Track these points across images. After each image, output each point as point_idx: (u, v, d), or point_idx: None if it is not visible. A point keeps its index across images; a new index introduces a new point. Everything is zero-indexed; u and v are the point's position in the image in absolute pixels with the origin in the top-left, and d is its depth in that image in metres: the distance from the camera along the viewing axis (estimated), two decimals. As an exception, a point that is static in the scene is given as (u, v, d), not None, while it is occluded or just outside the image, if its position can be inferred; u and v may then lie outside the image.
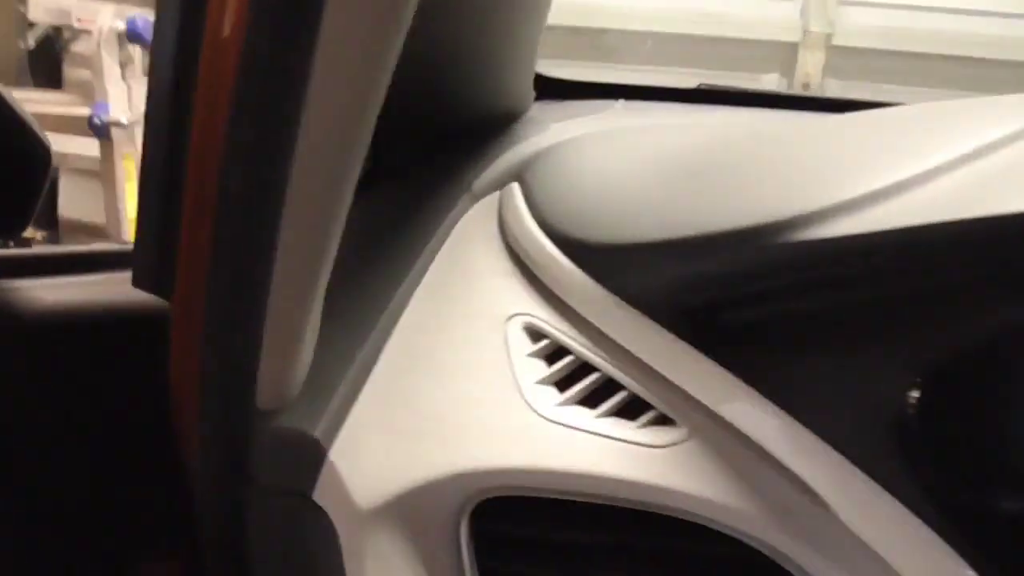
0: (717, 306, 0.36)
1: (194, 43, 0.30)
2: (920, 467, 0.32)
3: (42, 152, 0.40)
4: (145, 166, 0.34)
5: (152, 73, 0.34)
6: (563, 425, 0.36)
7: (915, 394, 0.32)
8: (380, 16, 0.28)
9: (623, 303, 0.37)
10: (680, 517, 0.34)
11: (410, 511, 0.34)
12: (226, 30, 0.29)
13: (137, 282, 0.36)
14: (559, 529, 0.36)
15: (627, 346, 0.37)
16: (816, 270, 0.33)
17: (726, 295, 0.36)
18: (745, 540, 0.33)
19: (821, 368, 0.34)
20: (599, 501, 0.35)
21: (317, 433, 0.34)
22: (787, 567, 0.33)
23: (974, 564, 0.31)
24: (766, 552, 0.33)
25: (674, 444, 0.35)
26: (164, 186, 0.33)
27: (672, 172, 0.43)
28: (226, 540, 0.35)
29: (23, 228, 0.42)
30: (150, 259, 0.35)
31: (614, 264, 0.38)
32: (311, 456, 0.34)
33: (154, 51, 0.33)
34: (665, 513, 0.34)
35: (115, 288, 0.44)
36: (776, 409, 0.34)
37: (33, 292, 0.42)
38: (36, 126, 0.40)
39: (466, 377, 0.38)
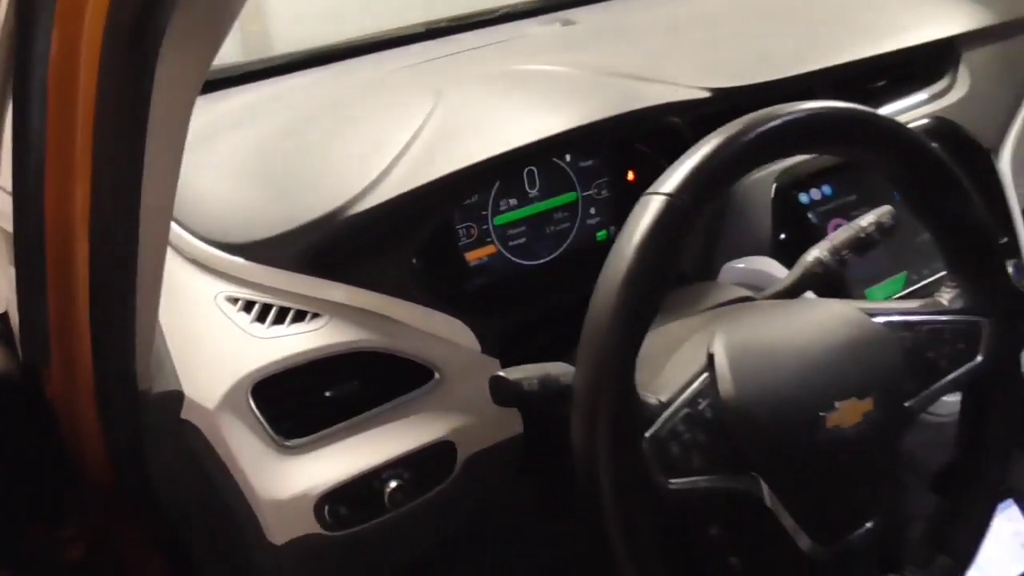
0: (329, 254, 0.73)
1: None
2: (432, 289, 0.76)
3: None
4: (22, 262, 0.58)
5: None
6: (276, 337, 0.71)
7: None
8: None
9: (269, 268, 0.73)
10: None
11: (231, 406, 0.67)
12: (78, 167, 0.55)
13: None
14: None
15: (280, 287, 0.73)
16: (382, 214, 0.73)
17: (332, 245, 0.73)
18: (372, 349, 0.73)
19: (389, 254, 0.75)
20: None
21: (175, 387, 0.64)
22: (394, 353, 0.74)
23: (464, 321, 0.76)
24: (383, 351, 0.74)
25: (327, 323, 0.73)
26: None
27: (258, 175, 0.78)
28: (134, 463, 0.63)
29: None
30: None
31: (256, 250, 0.73)
32: (176, 400, 0.64)
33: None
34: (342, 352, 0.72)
35: None
36: (362, 290, 0.74)
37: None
38: None
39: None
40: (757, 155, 0.57)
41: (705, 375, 0.57)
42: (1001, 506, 0.98)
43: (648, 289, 0.52)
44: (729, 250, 0.88)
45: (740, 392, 0.56)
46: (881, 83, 1.04)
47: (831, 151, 0.70)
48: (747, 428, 0.56)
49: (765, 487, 0.57)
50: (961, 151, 1.03)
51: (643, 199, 0.54)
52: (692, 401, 0.56)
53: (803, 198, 0.91)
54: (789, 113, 0.57)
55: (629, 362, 0.52)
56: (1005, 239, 0.99)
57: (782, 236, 0.89)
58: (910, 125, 0.98)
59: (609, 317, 0.52)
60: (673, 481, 0.54)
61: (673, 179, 0.54)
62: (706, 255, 0.88)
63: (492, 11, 1.27)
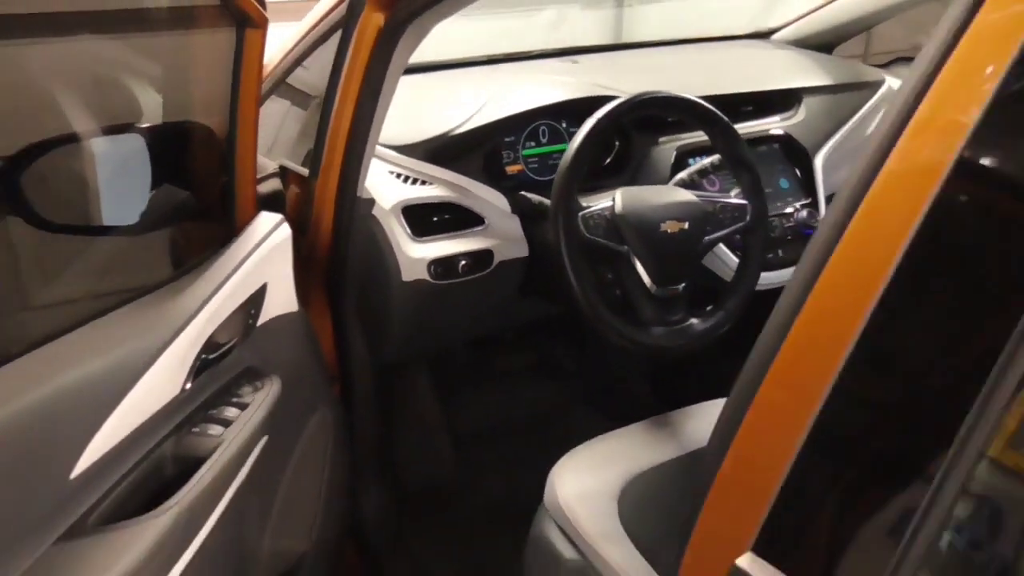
0: (439, 153, 1.49)
1: None
2: (489, 177, 1.51)
3: None
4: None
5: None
6: (410, 188, 1.46)
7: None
8: None
9: (408, 157, 1.48)
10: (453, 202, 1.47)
11: (393, 213, 1.41)
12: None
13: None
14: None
15: (413, 168, 1.48)
16: (465, 137, 1.49)
17: (440, 149, 1.49)
18: (455, 202, 1.48)
19: (468, 158, 1.50)
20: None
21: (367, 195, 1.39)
22: (465, 206, 1.48)
23: (504, 195, 1.51)
24: (461, 204, 1.48)
25: (434, 186, 1.47)
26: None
27: (412, 113, 1.54)
28: (345, 237, 1.37)
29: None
30: None
31: (403, 149, 1.48)
32: (372, 203, 1.38)
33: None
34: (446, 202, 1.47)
35: None
36: (454, 173, 1.49)
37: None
38: None
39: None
40: (632, 110, 1.32)
41: (610, 202, 1.32)
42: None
43: (583, 156, 1.28)
44: (645, 184, 1.62)
45: (623, 209, 1.31)
46: (749, 108, 1.79)
47: (675, 115, 1.46)
48: (623, 224, 1.30)
49: (632, 253, 1.31)
50: (795, 152, 1.78)
51: (586, 120, 1.30)
52: (601, 209, 1.31)
53: (691, 161, 1.66)
54: (649, 94, 1.33)
55: (574, 187, 1.28)
56: (808, 200, 1.74)
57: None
58: (769, 133, 1.74)
59: (565, 169, 1.27)
60: (588, 236, 1.28)
61: (599, 113, 1.30)
62: (631, 185, 1.63)
63: (527, 52, 2.05)
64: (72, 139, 1.21)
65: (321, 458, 1.41)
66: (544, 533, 1.29)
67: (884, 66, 2.23)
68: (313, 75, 1.46)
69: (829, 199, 1.77)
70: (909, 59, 2.24)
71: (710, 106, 1.38)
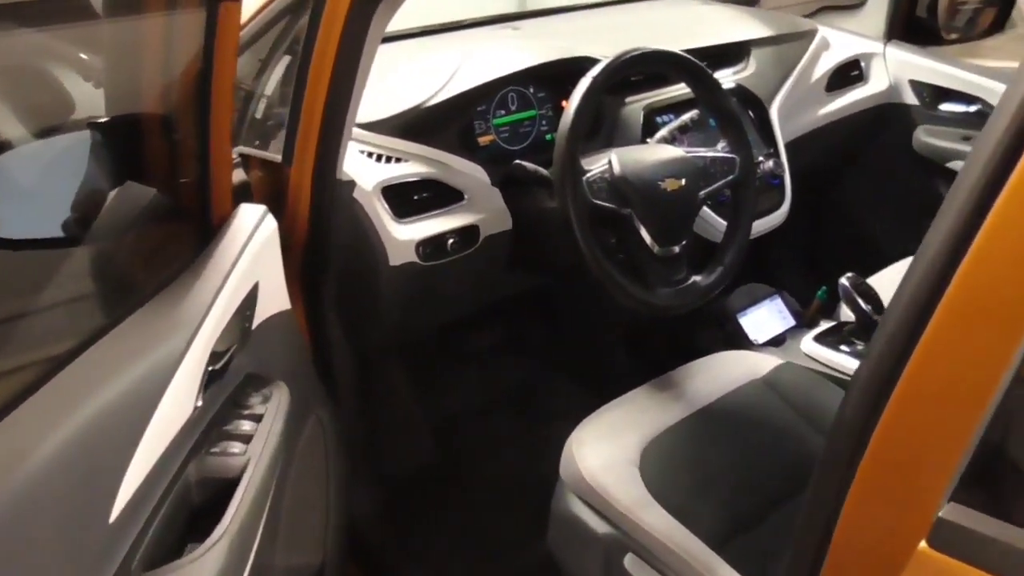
0: (411, 128, 1.40)
1: None
2: (464, 149, 1.43)
3: None
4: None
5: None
6: (386, 168, 1.37)
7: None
8: None
9: (379, 135, 1.39)
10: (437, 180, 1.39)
11: (374, 194, 1.32)
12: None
13: None
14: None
15: (386, 144, 1.39)
16: (436, 110, 1.40)
17: (412, 124, 1.40)
18: (433, 178, 1.40)
19: (442, 131, 1.42)
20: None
21: (347, 178, 1.29)
22: (444, 181, 1.41)
23: (482, 167, 1.44)
24: (439, 180, 1.41)
25: (410, 163, 1.39)
26: None
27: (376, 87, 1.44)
28: (325, 222, 1.28)
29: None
30: None
31: (373, 126, 1.39)
32: (352, 186, 1.29)
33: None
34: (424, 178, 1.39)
35: None
36: (428, 147, 1.41)
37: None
38: None
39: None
40: (625, 67, 1.28)
41: (607, 164, 1.28)
42: (771, 298, 1.72)
43: (583, 118, 1.22)
44: (619, 145, 1.59)
45: (622, 170, 1.27)
46: (704, 63, 1.78)
47: (659, 71, 1.42)
48: (625, 185, 1.26)
49: (634, 215, 1.27)
50: (750, 103, 1.78)
51: (581, 80, 1.24)
52: (602, 172, 1.26)
53: (658, 119, 1.63)
54: (639, 50, 1.29)
55: (577, 152, 1.23)
56: (771, 150, 1.75)
57: (647, 140, 1.60)
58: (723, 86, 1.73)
59: (566, 134, 1.22)
60: (595, 201, 1.24)
61: (594, 71, 1.25)
62: (607, 147, 1.59)
63: (462, 21, 1.97)
64: (14, 142, 1.07)
65: (321, 463, 1.32)
66: (570, 510, 1.26)
67: (811, 15, 2.26)
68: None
69: (787, 147, 1.79)
70: (834, 8, 2.29)
71: (695, 60, 1.35)
